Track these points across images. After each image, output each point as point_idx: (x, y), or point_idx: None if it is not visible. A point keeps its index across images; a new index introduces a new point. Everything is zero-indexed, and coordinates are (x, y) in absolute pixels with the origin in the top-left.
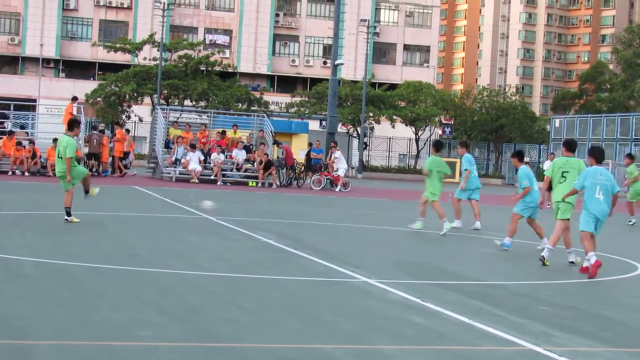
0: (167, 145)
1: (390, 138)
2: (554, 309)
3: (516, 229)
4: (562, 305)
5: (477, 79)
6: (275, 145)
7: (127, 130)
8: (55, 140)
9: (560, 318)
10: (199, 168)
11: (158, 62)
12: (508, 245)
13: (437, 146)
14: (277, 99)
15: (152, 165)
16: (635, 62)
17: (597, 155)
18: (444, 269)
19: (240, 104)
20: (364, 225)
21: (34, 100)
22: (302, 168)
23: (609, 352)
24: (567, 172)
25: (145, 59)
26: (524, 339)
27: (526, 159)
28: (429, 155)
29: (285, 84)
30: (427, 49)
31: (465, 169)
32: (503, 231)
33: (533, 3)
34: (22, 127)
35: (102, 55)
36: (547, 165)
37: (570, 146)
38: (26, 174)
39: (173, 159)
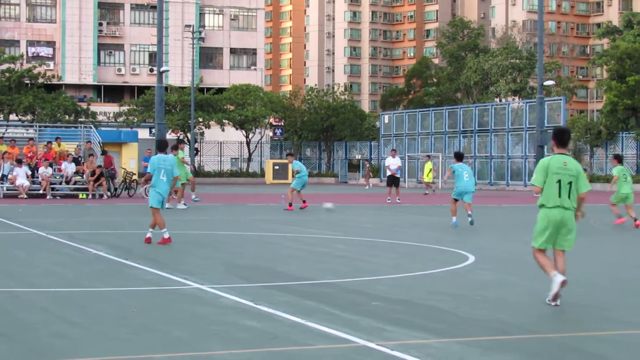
0: None
1: (221, 142)
2: (387, 303)
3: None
4: (395, 300)
5: (305, 79)
6: (104, 156)
7: None
8: None
9: (393, 312)
10: (26, 183)
11: None
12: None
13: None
14: (105, 109)
15: None
16: (459, 55)
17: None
18: (276, 270)
19: (67, 116)
20: (196, 231)
21: None
22: (133, 177)
23: (441, 343)
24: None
25: None
26: (357, 335)
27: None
28: (261, 158)
29: (113, 93)
30: (253, 52)
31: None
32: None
33: (357, 1)
34: None
35: None
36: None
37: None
38: None
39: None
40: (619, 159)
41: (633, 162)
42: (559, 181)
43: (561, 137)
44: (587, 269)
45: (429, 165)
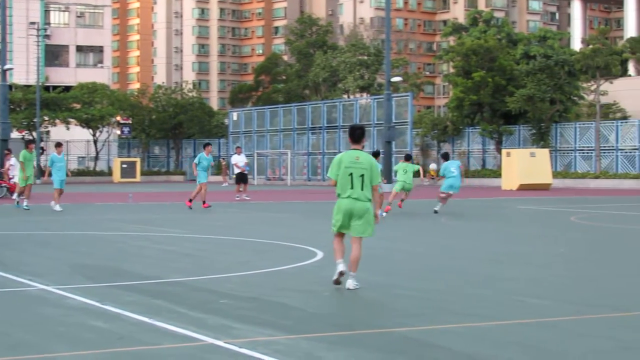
0: None
1: (67, 141)
2: (235, 301)
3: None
4: (243, 297)
5: (153, 77)
6: None
7: None
8: None
9: (241, 310)
10: None
11: None
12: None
13: None
14: None
15: None
16: (308, 52)
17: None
18: (123, 269)
19: None
20: (43, 231)
21: None
22: None
23: (288, 340)
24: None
25: None
26: (205, 333)
27: None
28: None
29: None
30: (100, 49)
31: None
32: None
33: None
34: None
35: None
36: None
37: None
38: None
39: None
40: (408, 158)
41: (479, 157)
42: (351, 174)
43: (353, 134)
44: (430, 261)
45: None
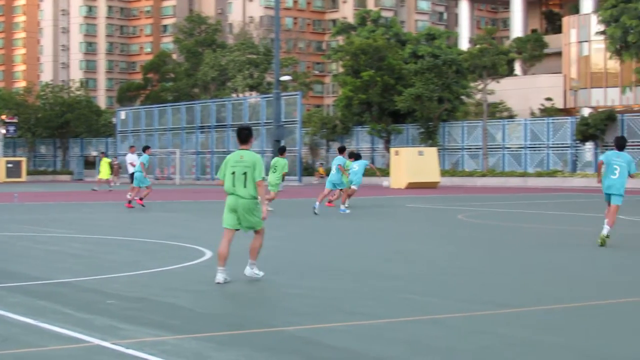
0: None
1: None
2: (122, 301)
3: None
4: (131, 297)
5: (39, 75)
6: None
7: None
8: None
9: (128, 310)
10: None
11: None
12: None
13: None
14: None
15: None
16: (197, 50)
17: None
18: (8, 271)
19: None
20: None
21: None
22: None
23: (176, 340)
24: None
25: None
26: (91, 334)
27: None
28: None
29: None
30: None
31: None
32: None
33: None
34: None
35: None
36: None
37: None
38: None
39: None
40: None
41: (368, 155)
42: (234, 173)
43: (240, 134)
44: (319, 260)
45: (105, 162)
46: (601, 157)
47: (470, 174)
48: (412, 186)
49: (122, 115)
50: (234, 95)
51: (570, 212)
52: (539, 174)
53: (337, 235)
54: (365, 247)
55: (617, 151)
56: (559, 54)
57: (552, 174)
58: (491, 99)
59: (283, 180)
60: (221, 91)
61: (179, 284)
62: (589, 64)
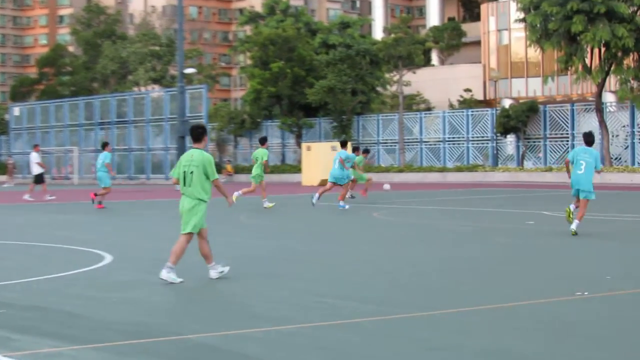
0: None
1: None
2: (15, 310)
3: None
4: (24, 306)
5: None
6: None
7: None
8: None
9: (22, 320)
10: None
11: None
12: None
13: None
14: None
15: None
16: (95, 42)
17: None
18: None
19: None
20: None
21: None
22: None
23: (74, 351)
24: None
25: None
26: None
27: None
28: None
29: None
30: None
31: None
32: None
33: None
34: None
35: None
36: None
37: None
38: None
39: None
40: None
41: (279, 151)
42: (184, 172)
43: (193, 133)
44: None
45: None
46: (568, 155)
47: (387, 170)
48: (326, 183)
49: (16, 111)
50: (135, 89)
51: (490, 208)
52: (458, 169)
53: (246, 236)
54: (275, 248)
55: (585, 147)
56: (477, 43)
57: (472, 168)
58: (407, 90)
59: (266, 171)
60: (122, 85)
61: (77, 291)
62: (509, 53)
